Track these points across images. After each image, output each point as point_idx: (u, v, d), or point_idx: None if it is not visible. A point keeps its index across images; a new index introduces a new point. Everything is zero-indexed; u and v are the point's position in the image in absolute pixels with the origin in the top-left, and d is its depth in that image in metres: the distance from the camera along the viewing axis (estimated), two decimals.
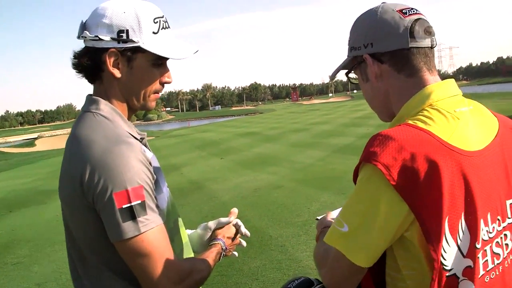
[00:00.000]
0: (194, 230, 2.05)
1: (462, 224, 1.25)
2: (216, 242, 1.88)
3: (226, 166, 15.79)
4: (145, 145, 1.70)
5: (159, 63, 1.65)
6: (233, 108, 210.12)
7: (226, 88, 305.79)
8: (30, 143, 72.20)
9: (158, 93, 1.72)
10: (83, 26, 1.59)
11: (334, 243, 1.31)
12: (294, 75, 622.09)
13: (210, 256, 1.76)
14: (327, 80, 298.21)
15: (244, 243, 2.11)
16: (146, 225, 1.44)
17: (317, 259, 1.47)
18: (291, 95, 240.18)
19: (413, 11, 1.40)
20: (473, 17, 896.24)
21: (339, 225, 1.30)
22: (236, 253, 2.09)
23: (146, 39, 1.59)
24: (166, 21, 1.67)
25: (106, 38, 1.55)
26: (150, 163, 1.56)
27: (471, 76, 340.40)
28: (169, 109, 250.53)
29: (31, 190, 14.94)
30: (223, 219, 2.05)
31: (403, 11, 1.39)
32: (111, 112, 1.61)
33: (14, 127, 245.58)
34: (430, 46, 1.40)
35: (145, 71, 1.64)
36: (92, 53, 1.59)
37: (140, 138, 1.67)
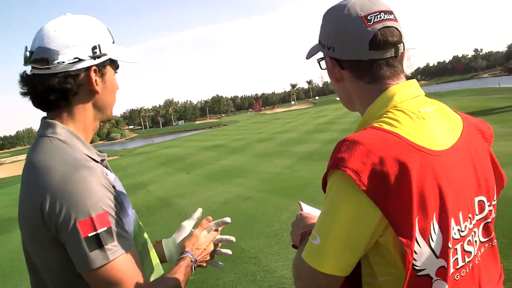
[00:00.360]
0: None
1: (435, 225, 1.24)
2: (184, 255, 1.82)
3: (193, 181, 15.72)
4: (106, 167, 1.66)
5: (116, 71, 1.70)
6: (197, 122, 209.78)
7: (189, 102, 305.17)
8: None
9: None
10: (46, 51, 1.49)
11: (307, 259, 1.29)
12: (255, 85, 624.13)
13: (179, 271, 1.71)
14: (288, 88, 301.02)
15: (228, 252, 2.10)
16: (114, 253, 1.39)
17: (294, 269, 1.43)
18: (254, 106, 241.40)
19: (379, 18, 1.34)
20: (428, 18, 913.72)
21: (313, 238, 1.28)
22: (221, 263, 2.09)
23: (112, 50, 1.61)
24: None
25: (85, 57, 1.53)
26: (113, 186, 1.52)
27: (429, 75, 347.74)
28: (132, 127, 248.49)
29: None
30: (195, 214, 2.07)
31: (368, 17, 1.34)
32: (69, 135, 1.55)
33: None
34: (393, 56, 1.37)
35: (113, 81, 1.66)
36: (63, 78, 1.51)
37: (101, 160, 1.62)
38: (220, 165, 19.19)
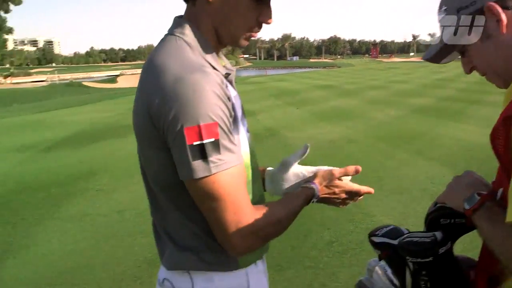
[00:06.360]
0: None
1: None
2: (309, 185, 1.63)
3: (301, 116, 15.77)
4: (230, 82, 1.55)
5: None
6: (311, 60, 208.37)
7: (305, 39, 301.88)
8: (112, 79, 74.66)
9: (254, 33, 1.52)
10: None
11: None
12: (375, 31, 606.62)
13: (295, 202, 1.56)
14: (409, 38, 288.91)
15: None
16: (218, 166, 1.31)
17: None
18: (370, 51, 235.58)
19: None
20: None
21: None
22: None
23: None
24: None
25: None
26: (229, 99, 1.39)
27: None
28: (247, 56, 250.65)
29: (112, 124, 15.40)
30: (300, 151, 1.73)
31: None
32: (195, 38, 1.45)
33: (98, 63, 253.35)
34: None
35: (242, 2, 1.43)
36: None
37: (226, 74, 1.50)
38: (329, 105, 19.06)
